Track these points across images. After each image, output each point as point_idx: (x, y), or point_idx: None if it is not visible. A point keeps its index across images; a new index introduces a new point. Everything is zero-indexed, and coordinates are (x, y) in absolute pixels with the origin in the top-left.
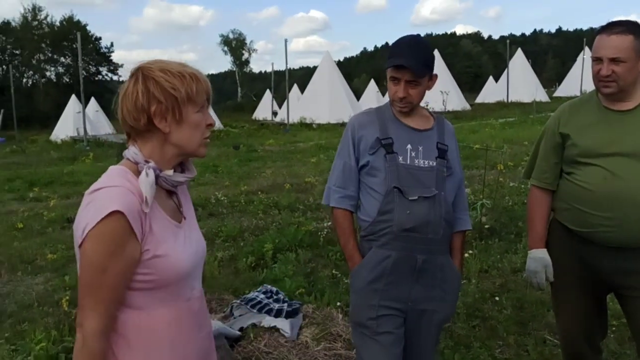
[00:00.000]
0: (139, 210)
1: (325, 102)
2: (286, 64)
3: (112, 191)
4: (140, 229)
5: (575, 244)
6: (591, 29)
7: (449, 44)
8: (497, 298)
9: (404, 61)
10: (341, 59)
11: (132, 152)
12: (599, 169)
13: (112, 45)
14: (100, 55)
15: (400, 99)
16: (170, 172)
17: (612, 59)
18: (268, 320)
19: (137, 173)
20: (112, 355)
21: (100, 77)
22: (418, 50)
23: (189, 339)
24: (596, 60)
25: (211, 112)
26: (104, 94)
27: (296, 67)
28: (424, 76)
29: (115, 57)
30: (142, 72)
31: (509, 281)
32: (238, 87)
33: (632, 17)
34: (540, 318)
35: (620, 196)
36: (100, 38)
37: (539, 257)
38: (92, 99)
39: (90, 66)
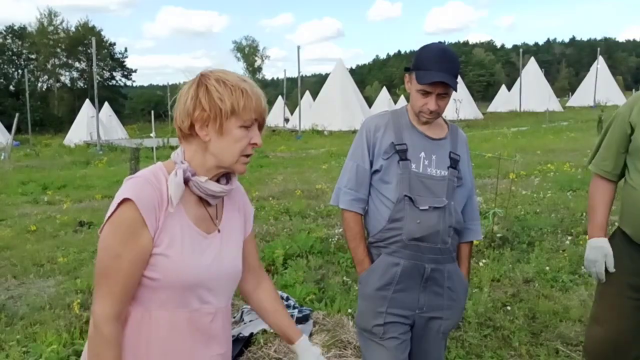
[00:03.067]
0: (154, 203)
1: (337, 109)
2: (298, 70)
3: (132, 181)
4: (153, 221)
5: (635, 251)
6: (605, 38)
7: (462, 52)
8: (509, 307)
9: (442, 77)
10: (353, 67)
11: (176, 152)
12: None
13: (126, 50)
14: (115, 61)
15: (431, 112)
16: (202, 179)
17: None
18: None
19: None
20: None
21: (114, 82)
22: (452, 64)
23: (190, 352)
24: None
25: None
26: (118, 99)
27: (308, 74)
28: (455, 89)
29: (129, 62)
30: (200, 78)
31: (521, 291)
32: None
33: None
34: (553, 328)
35: None
36: (114, 43)
37: (598, 246)
38: (106, 104)
39: (104, 71)
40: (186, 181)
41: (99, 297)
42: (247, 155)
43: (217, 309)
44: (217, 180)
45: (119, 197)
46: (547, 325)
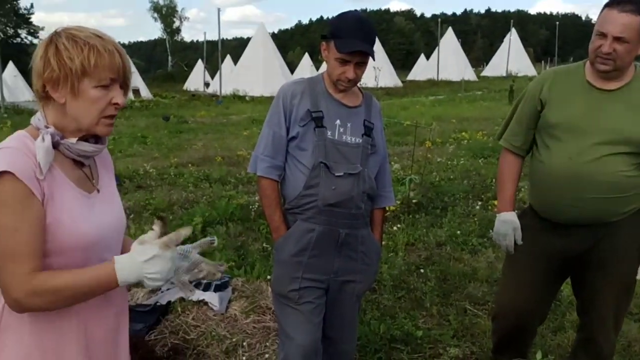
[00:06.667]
0: (33, 171)
1: (259, 75)
2: (219, 33)
3: (2, 153)
4: (39, 190)
5: (543, 223)
6: (518, 11)
7: (383, 20)
8: (422, 270)
9: (362, 46)
10: (275, 31)
11: (36, 117)
12: (566, 146)
13: (32, 6)
14: (19, 17)
15: (349, 80)
16: (72, 140)
17: (617, 37)
18: (196, 294)
19: (37, 138)
20: (1, 330)
21: (19, 40)
22: (370, 33)
23: (94, 312)
24: (600, 35)
25: (140, 82)
26: (23, 57)
27: (229, 37)
28: (373, 57)
29: (35, 19)
30: (52, 36)
31: (433, 254)
32: (169, 56)
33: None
34: (462, 289)
35: (582, 177)
36: None
37: (508, 220)
38: (10, 63)
39: (8, 28)
40: (56, 145)
41: (12, 280)
42: (110, 116)
43: None
44: (86, 140)
45: None
46: (456, 286)
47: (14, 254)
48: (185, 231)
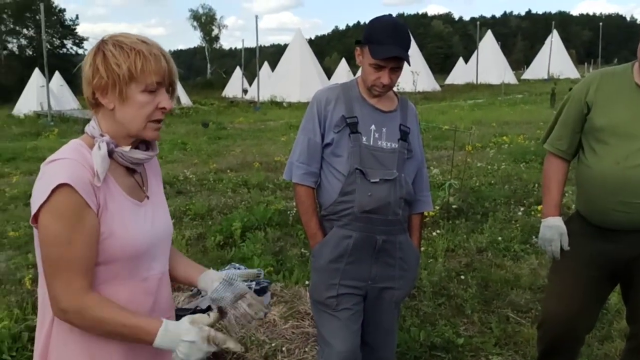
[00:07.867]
0: (90, 182)
1: (296, 81)
2: (257, 41)
3: (60, 164)
4: (94, 201)
5: (591, 229)
6: (559, 12)
7: (421, 24)
8: (462, 277)
9: (397, 52)
10: (313, 37)
11: (90, 126)
12: (613, 150)
13: (77, 17)
14: (65, 28)
15: (384, 86)
16: (126, 148)
17: None
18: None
19: (93, 147)
20: (52, 335)
21: (65, 50)
22: (405, 38)
23: None
24: None
25: (180, 90)
26: (69, 67)
27: (267, 44)
28: (409, 62)
29: (80, 30)
30: (99, 44)
31: (474, 260)
32: (208, 64)
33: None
34: (504, 296)
35: (630, 182)
36: (64, 10)
37: (554, 225)
38: (57, 73)
39: (54, 39)
40: (110, 153)
41: (63, 291)
42: (157, 121)
43: (162, 274)
44: (137, 147)
45: (50, 182)
46: (498, 294)
47: (68, 266)
48: (233, 345)
